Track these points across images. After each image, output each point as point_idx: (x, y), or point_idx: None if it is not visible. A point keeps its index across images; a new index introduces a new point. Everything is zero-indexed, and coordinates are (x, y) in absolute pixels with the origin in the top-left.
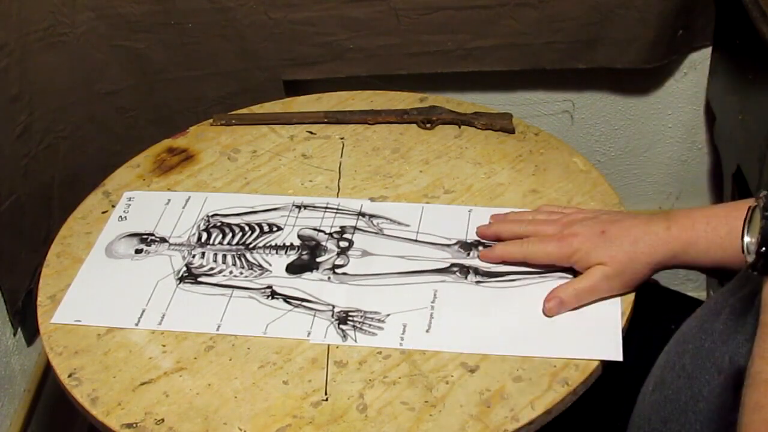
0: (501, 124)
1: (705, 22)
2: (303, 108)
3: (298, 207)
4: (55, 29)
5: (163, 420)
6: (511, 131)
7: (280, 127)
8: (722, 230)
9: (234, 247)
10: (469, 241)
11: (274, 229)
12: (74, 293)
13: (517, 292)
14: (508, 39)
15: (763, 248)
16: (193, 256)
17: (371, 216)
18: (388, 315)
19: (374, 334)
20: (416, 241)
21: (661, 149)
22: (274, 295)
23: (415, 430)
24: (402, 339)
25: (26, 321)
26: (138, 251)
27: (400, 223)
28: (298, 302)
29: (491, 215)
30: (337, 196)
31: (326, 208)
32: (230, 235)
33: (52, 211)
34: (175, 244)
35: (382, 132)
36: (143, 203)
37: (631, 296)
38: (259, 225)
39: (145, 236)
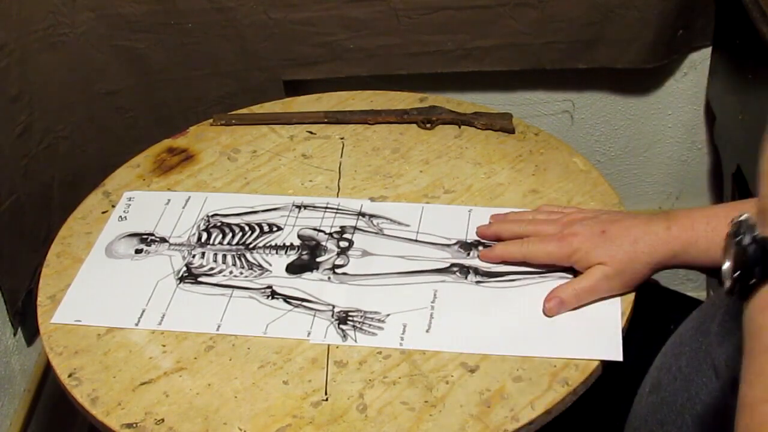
0: (501, 124)
1: (705, 22)
2: (303, 108)
3: (298, 207)
4: (55, 29)
5: (163, 420)
6: (511, 131)
7: (280, 127)
8: (722, 230)
9: (234, 247)
10: (469, 241)
11: (274, 229)
12: (74, 293)
13: (517, 292)
14: (508, 39)
15: (737, 273)
16: (193, 256)
17: (371, 216)
18: (388, 315)
19: (374, 334)
20: (416, 241)
21: (661, 149)
22: (274, 295)
23: (415, 430)
24: (402, 339)
25: (26, 321)
26: (138, 251)
27: (400, 223)
28: (298, 302)
29: (491, 215)
30: (337, 196)
31: (326, 208)
32: (230, 235)
33: (52, 211)
34: (175, 244)
35: (382, 132)
36: (143, 203)
37: (631, 296)
38: (259, 225)
39: (145, 236)
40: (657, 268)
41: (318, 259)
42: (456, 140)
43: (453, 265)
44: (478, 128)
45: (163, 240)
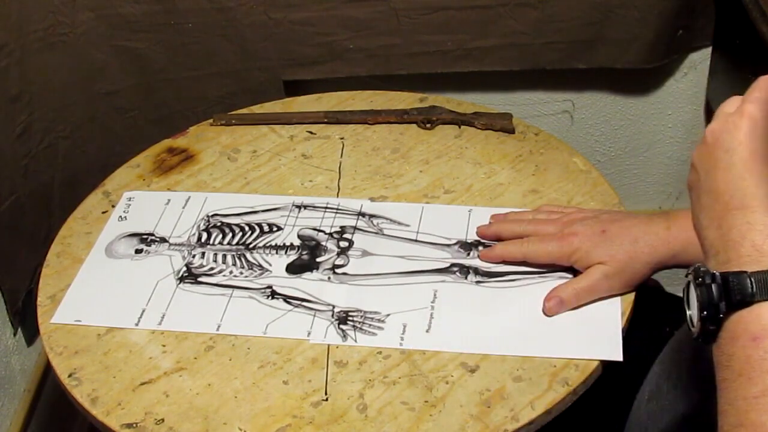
0: (501, 124)
1: (705, 22)
2: (303, 108)
3: (298, 207)
4: (55, 29)
5: (163, 420)
6: (511, 131)
7: (280, 127)
8: None
9: (234, 247)
10: (469, 241)
11: (274, 229)
12: (74, 293)
13: (517, 292)
14: (508, 39)
15: (704, 312)
16: (193, 256)
17: (371, 216)
18: (388, 315)
19: (374, 334)
20: (416, 241)
21: (661, 149)
22: (274, 295)
23: (415, 430)
24: (402, 339)
25: (26, 321)
26: (138, 251)
27: (400, 223)
28: (298, 302)
29: (491, 215)
30: (337, 196)
31: (326, 208)
32: (230, 235)
33: (52, 211)
34: (175, 244)
35: (382, 132)
36: (143, 203)
37: (631, 296)
38: (259, 225)
39: (145, 236)
40: (657, 267)
41: (318, 259)
42: (456, 140)
43: (453, 265)
44: (478, 128)
45: (163, 240)
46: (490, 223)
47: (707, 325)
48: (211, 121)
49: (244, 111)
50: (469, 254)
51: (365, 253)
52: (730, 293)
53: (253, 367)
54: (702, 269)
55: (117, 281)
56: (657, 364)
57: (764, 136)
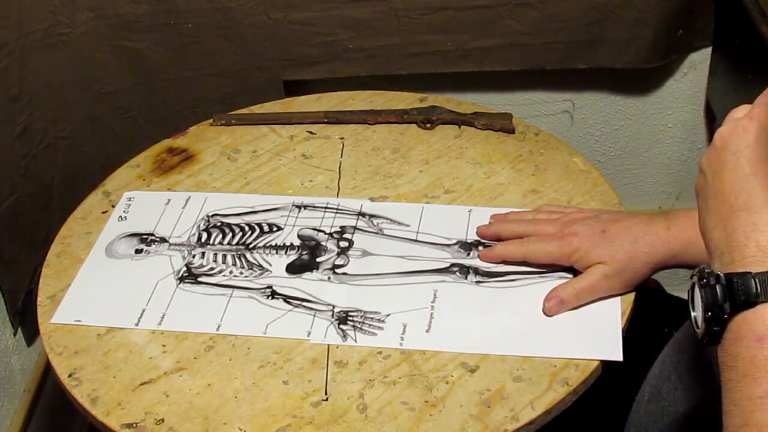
0: (501, 124)
1: (705, 22)
2: (303, 108)
3: (298, 207)
4: (55, 29)
5: (163, 420)
6: (511, 131)
7: (280, 127)
8: None
9: (234, 247)
10: (469, 241)
11: (274, 229)
12: (74, 293)
13: (517, 292)
14: (508, 39)
15: (709, 313)
16: (193, 256)
17: (371, 216)
18: (388, 315)
19: (374, 334)
20: (416, 241)
21: (661, 149)
22: (274, 295)
23: (415, 430)
24: (402, 339)
25: (26, 321)
26: (138, 251)
27: (400, 223)
28: (298, 302)
29: (491, 215)
30: (337, 196)
31: (326, 208)
32: (230, 235)
33: (52, 211)
34: (175, 244)
35: (382, 132)
36: (143, 203)
37: (631, 296)
38: (259, 225)
39: (145, 236)
40: (657, 267)
41: (318, 259)
42: (456, 140)
43: (453, 265)
44: (478, 128)
45: (163, 240)
46: (489, 223)
47: (712, 326)
48: (211, 121)
49: (244, 111)
50: (469, 254)
51: (365, 253)
52: (735, 294)
53: (253, 367)
54: (707, 270)
55: (117, 281)
56: (657, 364)
57: None
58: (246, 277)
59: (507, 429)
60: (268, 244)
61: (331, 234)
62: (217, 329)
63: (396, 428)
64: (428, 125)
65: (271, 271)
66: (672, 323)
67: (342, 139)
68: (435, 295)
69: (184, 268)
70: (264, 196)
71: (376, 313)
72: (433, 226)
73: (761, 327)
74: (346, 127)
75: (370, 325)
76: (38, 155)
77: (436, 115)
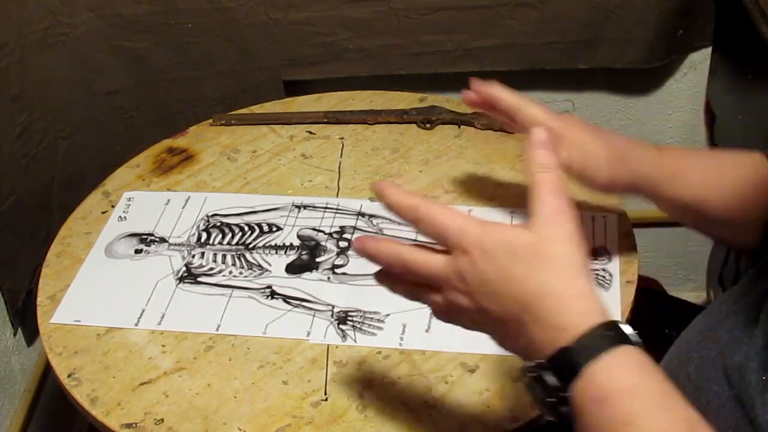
0: (501, 124)
1: (705, 22)
2: (303, 108)
3: (298, 207)
4: (55, 29)
5: (162, 420)
6: (511, 131)
7: (279, 127)
8: (711, 167)
9: (234, 247)
10: None
11: (274, 229)
12: (74, 293)
13: None
14: (508, 39)
15: (551, 400)
16: (193, 256)
17: (371, 216)
18: (388, 315)
19: (374, 334)
20: (416, 240)
21: None
22: (273, 295)
23: (415, 430)
24: (401, 339)
25: (26, 321)
26: (138, 251)
27: (399, 223)
28: (298, 302)
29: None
30: (337, 196)
31: (326, 208)
32: (230, 235)
33: (52, 211)
34: (175, 244)
35: (382, 132)
36: (143, 203)
37: (631, 296)
38: (259, 225)
39: (145, 236)
40: (638, 182)
41: (318, 259)
42: (456, 140)
43: None
44: (478, 128)
45: (163, 240)
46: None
47: (560, 408)
48: (211, 121)
49: (244, 111)
50: None
51: None
52: (561, 372)
53: (252, 367)
54: (528, 365)
55: (117, 281)
56: (663, 363)
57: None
58: (246, 277)
59: (507, 429)
60: (267, 244)
61: (330, 234)
62: (217, 329)
63: (396, 428)
64: (428, 125)
65: (270, 271)
66: (672, 323)
67: (342, 139)
68: None
69: (184, 268)
70: (264, 196)
71: (375, 313)
72: None
73: (595, 390)
74: (345, 127)
75: (369, 325)
76: (38, 155)
77: (435, 115)
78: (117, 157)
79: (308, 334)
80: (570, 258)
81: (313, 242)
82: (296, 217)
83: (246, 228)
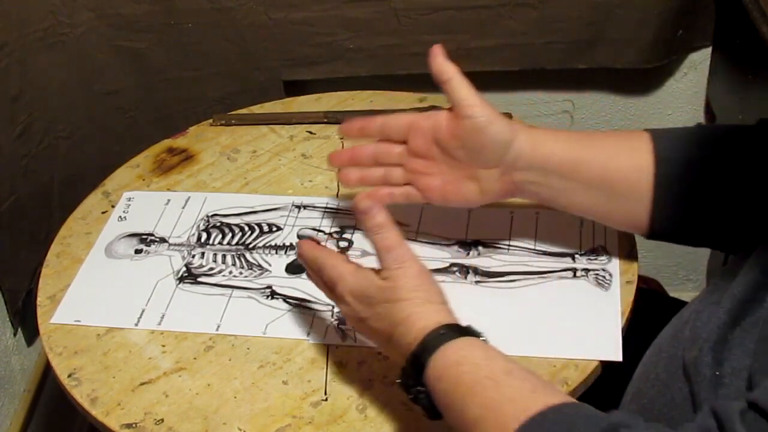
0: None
1: (705, 22)
2: (303, 108)
3: (298, 207)
4: (55, 29)
5: (162, 420)
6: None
7: (279, 127)
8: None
9: (234, 247)
10: (468, 240)
11: (274, 229)
12: (74, 293)
13: (517, 292)
14: (508, 39)
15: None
16: (193, 256)
17: None
18: None
19: None
20: (415, 240)
21: None
22: (273, 295)
23: (415, 430)
24: None
25: (26, 321)
26: (138, 251)
27: (399, 223)
28: (298, 302)
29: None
30: (337, 197)
31: (326, 208)
32: (230, 235)
33: (52, 211)
34: (175, 244)
35: None
36: (143, 203)
37: (631, 297)
38: (259, 225)
39: (145, 236)
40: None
41: None
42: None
43: (452, 264)
44: None
45: (163, 240)
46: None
47: (424, 400)
48: (211, 121)
49: (244, 111)
50: (468, 254)
51: (365, 253)
52: (415, 371)
53: (252, 367)
54: (398, 377)
55: (117, 281)
56: (639, 366)
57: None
58: (245, 277)
59: None
60: (267, 244)
61: (330, 234)
62: (217, 329)
63: (395, 428)
64: None
65: (270, 271)
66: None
67: (342, 139)
68: None
69: (184, 269)
70: (264, 196)
71: None
72: (433, 225)
73: (437, 371)
74: None
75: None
76: (38, 155)
77: None
78: (117, 157)
79: (308, 334)
80: (415, 292)
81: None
82: (296, 217)
83: (246, 228)
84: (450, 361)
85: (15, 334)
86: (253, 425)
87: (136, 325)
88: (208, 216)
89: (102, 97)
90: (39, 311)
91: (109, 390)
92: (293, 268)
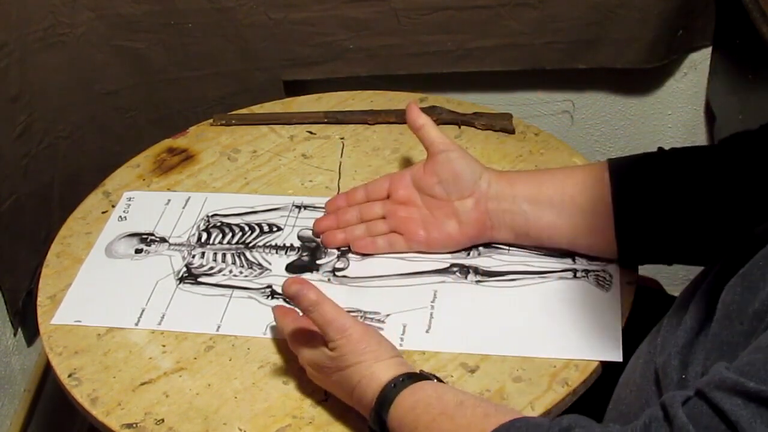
0: (501, 124)
1: (705, 22)
2: (303, 108)
3: (298, 207)
4: (55, 29)
5: (163, 420)
6: (511, 131)
7: (280, 127)
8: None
9: (234, 246)
10: None
11: (274, 229)
12: (74, 293)
13: (517, 292)
14: (508, 39)
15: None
16: (193, 256)
17: None
18: (388, 315)
19: None
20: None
21: None
22: (274, 294)
23: None
24: (402, 339)
25: (26, 321)
26: (138, 251)
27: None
28: None
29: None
30: None
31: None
32: (230, 235)
33: (52, 211)
34: (175, 244)
35: (382, 132)
36: (143, 203)
37: (631, 297)
38: (259, 225)
39: (145, 236)
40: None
41: (318, 261)
42: (456, 140)
43: (453, 265)
44: (478, 128)
45: (163, 240)
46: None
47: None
48: (211, 121)
49: (244, 111)
50: (468, 254)
51: (365, 254)
52: (378, 425)
53: (252, 368)
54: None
55: (117, 281)
56: (622, 374)
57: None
58: (246, 276)
59: None
60: (268, 244)
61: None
62: (217, 329)
63: None
64: None
65: (270, 270)
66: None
67: (342, 139)
68: (435, 295)
69: (184, 269)
70: (264, 196)
71: (375, 313)
72: None
73: (394, 422)
74: (346, 127)
75: (369, 325)
76: (38, 155)
77: (436, 115)
78: (117, 157)
79: None
80: (362, 356)
81: (314, 244)
82: (296, 218)
83: (246, 228)
84: (405, 409)
85: (15, 334)
86: (253, 425)
87: (137, 325)
88: (208, 216)
89: (102, 97)
90: (39, 311)
91: (109, 390)
92: (294, 268)
